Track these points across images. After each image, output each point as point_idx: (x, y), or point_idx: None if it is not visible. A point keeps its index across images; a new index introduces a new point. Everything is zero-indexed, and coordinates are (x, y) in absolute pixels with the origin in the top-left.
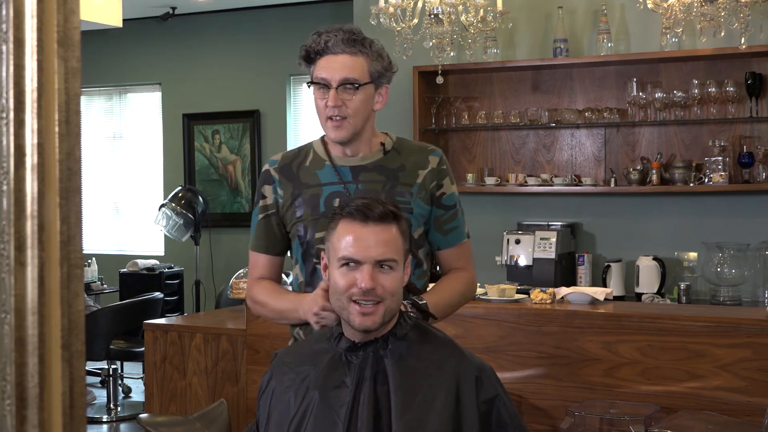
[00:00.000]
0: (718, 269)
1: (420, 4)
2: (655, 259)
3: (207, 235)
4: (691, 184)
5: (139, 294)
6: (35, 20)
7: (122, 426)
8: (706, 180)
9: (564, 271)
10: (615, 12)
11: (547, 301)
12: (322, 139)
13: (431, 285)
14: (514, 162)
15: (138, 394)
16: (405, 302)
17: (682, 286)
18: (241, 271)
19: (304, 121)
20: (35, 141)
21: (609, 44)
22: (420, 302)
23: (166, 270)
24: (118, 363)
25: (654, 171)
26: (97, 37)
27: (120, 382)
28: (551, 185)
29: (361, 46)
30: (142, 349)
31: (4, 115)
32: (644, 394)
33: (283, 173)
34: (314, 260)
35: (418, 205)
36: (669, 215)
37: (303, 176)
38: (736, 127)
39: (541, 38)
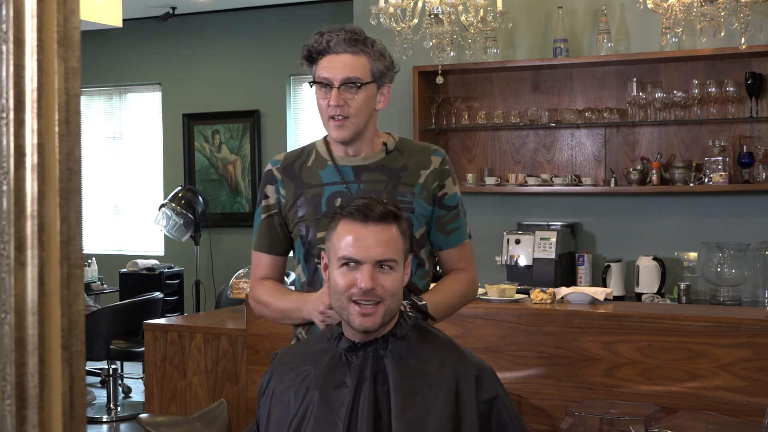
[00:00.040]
0: (718, 269)
1: (420, 4)
2: (655, 259)
3: (207, 235)
4: (691, 184)
5: (139, 294)
6: (35, 20)
7: (122, 426)
8: (706, 180)
9: (564, 271)
10: (615, 12)
11: (547, 301)
12: (325, 139)
13: (433, 285)
14: (514, 162)
15: (138, 394)
16: (404, 302)
17: (682, 286)
18: (241, 271)
19: (304, 121)
20: (35, 141)
21: (609, 44)
22: (419, 303)
23: (166, 270)
24: (118, 363)
25: (654, 171)
26: (97, 37)
27: (120, 382)
28: (551, 185)
29: (363, 46)
30: (142, 349)
31: (4, 115)
32: (644, 394)
33: (285, 173)
34: (316, 260)
35: (420, 205)
36: (669, 215)
37: (305, 176)
38: (736, 127)
39: (541, 38)
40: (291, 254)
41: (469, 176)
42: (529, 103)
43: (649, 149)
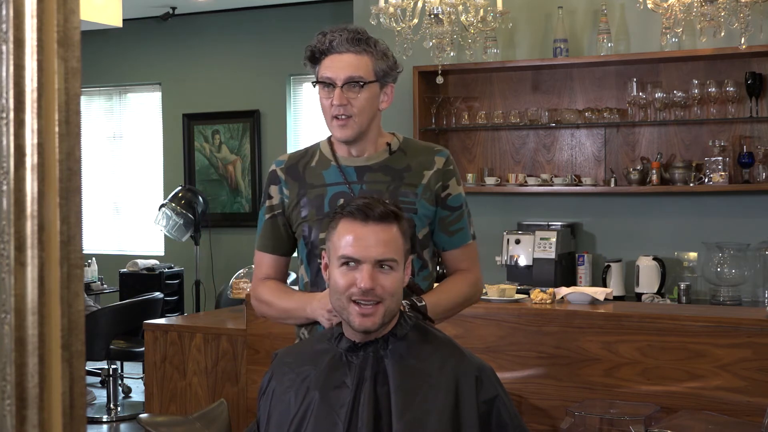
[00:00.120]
0: (718, 269)
1: (420, 4)
2: (655, 259)
3: (207, 235)
4: (691, 184)
5: (139, 294)
6: (35, 20)
7: (122, 426)
8: (706, 180)
9: (564, 271)
10: (615, 12)
11: (547, 301)
12: (329, 139)
13: (436, 285)
14: (514, 162)
15: (138, 394)
16: (404, 302)
17: (682, 286)
18: (241, 271)
19: (304, 121)
20: (35, 141)
21: (609, 44)
22: (419, 303)
23: (166, 270)
24: (118, 363)
25: (654, 171)
26: (97, 37)
27: (120, 382)
28: (551, 185)
29: (365, 45)
30: (142, 349)
31: (4, 115)
32: (644, 394)
33: (289, 173)
34: (319, 261)
35: (423, 206)
36: (669, 215)
37: (308, 176)
38: (736, 127)
39: (541, 38)
40: (295, 254)
41: (469, 176)
42: (529, 103)
43: (649, 149)
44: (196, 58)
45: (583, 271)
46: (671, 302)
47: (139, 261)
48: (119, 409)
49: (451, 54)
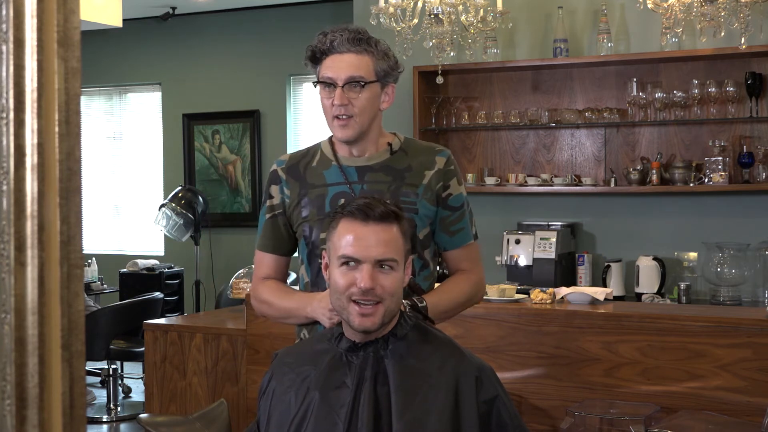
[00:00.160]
0: (718, 269)
1: (420, 4)
2: (655, 259)
3: (207, 235)
4: (691, 184)
5: (139, 294)
6: (35, 20)
7: (122, 426)
8: (706, 180)
9: (564, 271)
10: (615, 12)
11: (547, 301)
12: (330, 139)
13: (437, 285)
14: (514, 162)
15: (138, 394)
16: (404, 302)
17: (682, 286)
18: (241, 271)
19: (304, 121)
20: (35, 141)
21: (609, 44)
22: (420, 304)
23: (166, 270)
24: (118, 363)
25: (654, 171)
26: (97, 37)
27: (120, 382)
28: (551, 185)
29: (366, 45)
30: (142, 349)
31: (4, 115)
32: (644, 394)
33: (290, 173)
34: (319, 261)
35: (424, 206)
36: (669, 215)
37: (309, 176)
38: (736, 127)
39: (541, 38)
40: (295, 255)
41: (469, 176)
42: (529, 103)
43: (649, 149)
44: (196, 58)
45: (583, 271)
46: (671, 302)
47: (139, 261)
48: (119, 409)
49: (451, 54)
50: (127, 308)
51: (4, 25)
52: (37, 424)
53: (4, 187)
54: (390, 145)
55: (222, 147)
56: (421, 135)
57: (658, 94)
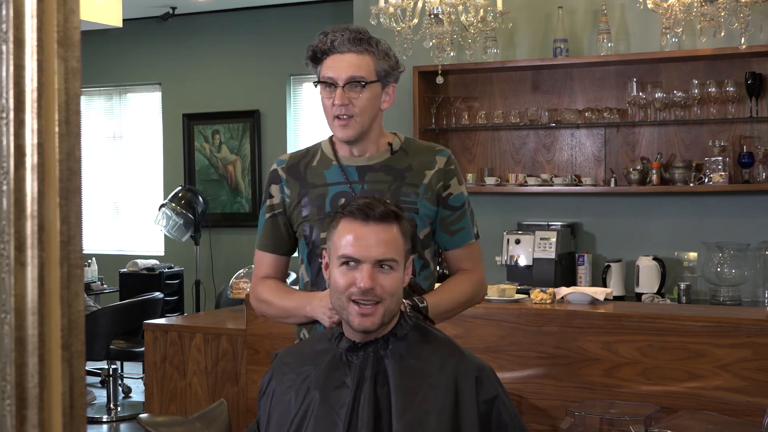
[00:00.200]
0: (718, 269)
1: (420, 4)
2: (655, 259)
3: (207, 235)
4: (691, 184)
5: (139, 294)
6: (35, 20)
7: (122, 426)
8: (706, 180)
9: (564, 271)
10: (615, 12)
11: (547, 301)
12: (331, 139)
13: (437, 285)
14: (514, 162)
15: (138, 394)
16: (405, 301)
17: (682, 286)
18: (241, 271)
19: (304, 121)
20: (35, 141)
21: (609, 44)
22: (421, 304)
23: (166, 270)
24: (118, 363)
25: (654, 171)
26: (97, 37)
27: (120, 382)
28: (551, 185)
29: (367, 45)
30: (142, 349)
31: (4, 115)
32: (644, 394)
33: (290, 173)
34: (320, 260)
35: (424, 206)
36: (669, 215)
37: (310, 176)
38: (736, 127)
39: (541, 38)
40: (295, 255)
41: (469, 176)
42: (529, 103)
43: (649, 149)
44: (196, 58)
45: (583, 271)
46: (671, 302)
47: (139, 261)
48: (119, 409)
49: (451, 54)
50: (127, 308)
51: (4, 25)
52: (37, 424)
53: (4, 187)
54: (390, 144)
55: (222, 147)
56: (421, 135)
57: (658, 94)
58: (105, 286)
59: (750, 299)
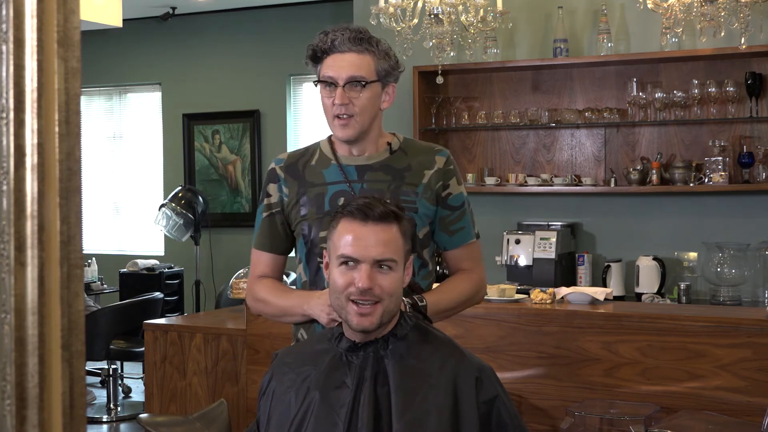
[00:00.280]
0: (718, 269)
1: (420, 4)
2: (655, 259)
3: (207, 235)
4: (691, 184)
5: (139, 294)
6: (35, 20)
7: (122, 426)
8: (706, 180)
9: (564, 271)
10: (615, 12)
11: (547, 301)
12: (330, 138)
13: (436, 285)
14: (514, 162)
15: (138, 394)
16: (405, 300)
17: (682, 286)
18: (241, 271)
19: (304, 121)
20: (35, 141)
21: (609, 44)
22: (420, 303)
23: (166, 270)
24: (118, 363)
25: (654, 171)
26: (97, 37)
27: (120, 382)
28: (551, 185)
29: (368, 45)
30: (142, 349)
31: (4, 115)
32: (644, 394)
33: (288, 172)
34: (318, 259)
35: (423, 205)
36: (669, 215)
37: (308, 175)
38: (736, 127)
39: (541, 38)
40: (292, 254)
41: (469, 176)
42: (529, 103)
43: (649, 149)
44: (196, 58)
45: (583, 271)
46: (671, 302)
47: (139, 261)
48: (119, 409)
49: (451, 54)
50: (127, 308)
51: (4, 25)
52: (37, 424)
53: (4, 187)
54: (389, 144)
55: (222, 147)
56: (421, 135)
57: (658, 94)
58: (105, 286)
59: (750, 299)
